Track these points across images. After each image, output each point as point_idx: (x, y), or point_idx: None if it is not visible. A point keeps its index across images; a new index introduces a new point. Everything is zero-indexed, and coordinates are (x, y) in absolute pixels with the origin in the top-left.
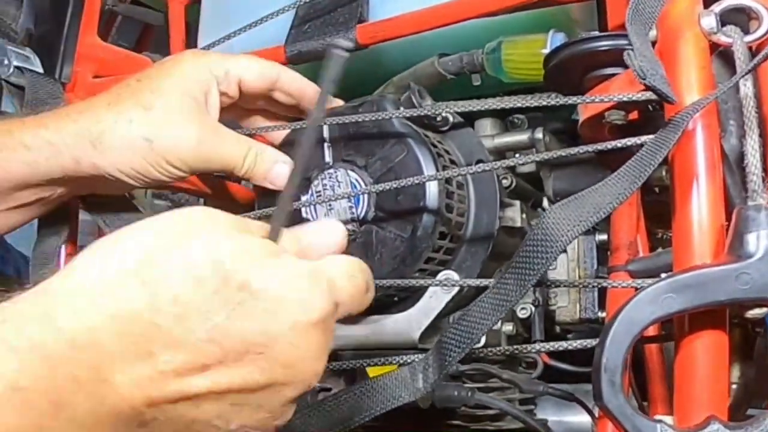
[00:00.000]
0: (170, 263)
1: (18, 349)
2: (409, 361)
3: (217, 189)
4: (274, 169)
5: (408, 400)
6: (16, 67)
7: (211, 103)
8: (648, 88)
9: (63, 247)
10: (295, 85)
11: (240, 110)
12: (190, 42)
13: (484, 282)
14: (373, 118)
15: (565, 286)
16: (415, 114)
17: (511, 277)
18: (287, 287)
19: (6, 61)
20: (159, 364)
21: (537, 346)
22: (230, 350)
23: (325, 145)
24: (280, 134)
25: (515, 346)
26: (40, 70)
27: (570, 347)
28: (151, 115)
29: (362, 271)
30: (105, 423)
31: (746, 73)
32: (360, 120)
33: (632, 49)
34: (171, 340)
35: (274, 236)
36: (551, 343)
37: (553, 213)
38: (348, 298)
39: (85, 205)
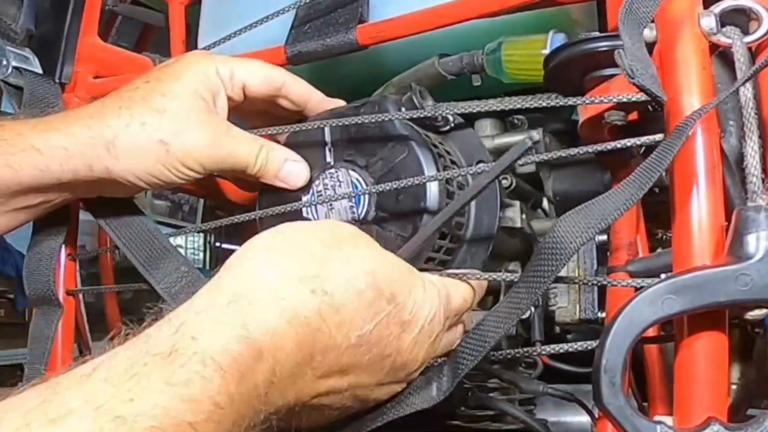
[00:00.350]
0: (334, 274)
1: (221, 366)
2: None
3: (215, 189)
4: (286, 166)
5: (420, 408)
6: (15, 68)
7: (219, 104)
8: (637, 87)
9: (63, 247)
10: (299, 92)
11: (242, 113)
12: (191, 42)
13: None
14: (375, 119)
15: (565, 282)
16: (415, 115)
17: (524, 286)
18: (421, 304)
19: (5, 62)
20: (314, 366)
21: (539, 348)
22: (369, 354)
23: (327, 146)
24: (281, 136)
25: (518, 349)
26: (39, 70)
27: (571, 349)
28: (165, 118)
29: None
30: (265, 418)
31: (746, 81)
32: (361, 121)
33: (623, 48)
34: (328, 344)
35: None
36: (552, 346)
37: (563, 222)
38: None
39: (86, 205)
